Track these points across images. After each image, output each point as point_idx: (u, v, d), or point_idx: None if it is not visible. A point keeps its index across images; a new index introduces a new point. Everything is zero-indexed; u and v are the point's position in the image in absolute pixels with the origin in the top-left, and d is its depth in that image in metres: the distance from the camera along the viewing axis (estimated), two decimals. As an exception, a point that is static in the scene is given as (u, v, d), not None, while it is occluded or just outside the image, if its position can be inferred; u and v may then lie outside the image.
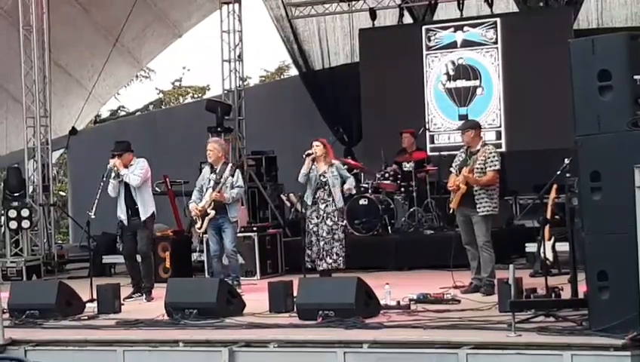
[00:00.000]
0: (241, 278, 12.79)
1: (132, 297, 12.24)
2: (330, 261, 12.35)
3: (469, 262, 11.52)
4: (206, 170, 12.78)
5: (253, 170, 17.65)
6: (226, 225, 12.51)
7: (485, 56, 17.21)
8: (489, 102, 17.18)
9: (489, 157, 11.26)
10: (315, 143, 12.63)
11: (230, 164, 12.83)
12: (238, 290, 12.23)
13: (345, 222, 13.95)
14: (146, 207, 12.30)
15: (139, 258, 12.58)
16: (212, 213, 12.44)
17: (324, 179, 12.41)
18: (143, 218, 12.28)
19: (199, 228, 12.73)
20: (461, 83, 17.39)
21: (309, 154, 12.64)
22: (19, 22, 16.89)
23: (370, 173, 15.88)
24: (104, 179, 12.40)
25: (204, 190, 12.55)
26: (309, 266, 12.44)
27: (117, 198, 12.40)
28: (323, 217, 12.41)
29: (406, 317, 9.67)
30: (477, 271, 11.34)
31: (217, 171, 12.55)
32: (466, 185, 11.20)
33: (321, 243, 12.39)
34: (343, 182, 12.71)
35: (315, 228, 12.45)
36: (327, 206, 12.41)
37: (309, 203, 12.53)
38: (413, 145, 15.86)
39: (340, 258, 12.39)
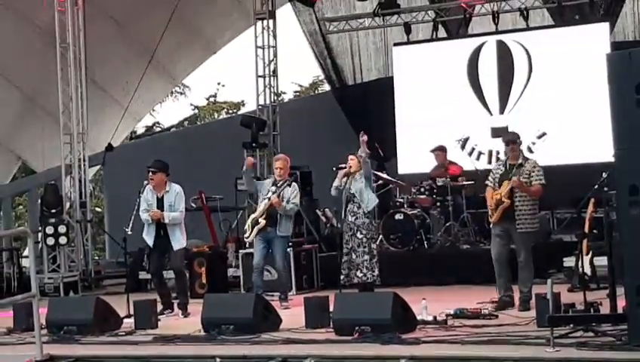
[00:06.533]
0: (274, 294, 12.78)
1: (163, 314, 12.19)
2: (361, 274, 12.26)
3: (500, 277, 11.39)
4: (268, 181, 13.02)
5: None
6: (276, 240, 12.66)
7: (520, 69, 17.12)
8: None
9: (533, 171, 11.16)
10: (350, 157, 12.58)
11: (292, 181, 12.95)
12: (285, 304, 12.36)
13: (380, 236, 13.89)
14: (180, 240, 12.39)
15: (166, 274, 12.71)
16: (262, 222, 12.59)
17: (352, 191, 12.36)
18: (175, 248, 12.35)
19: (247, 237, 12.87)
20: (496, 96, 17.32)
21: (341, 168, 12.61)
22: (55, 39, 17.04)
23: (405, 188, 15.84)
24: (140, 195, 12.46)
25: (261, 200, 12.72)
26: (342, 281, 12.35)
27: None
28: (353, 230, 12.34)
29: (443, 333, 9.63)
30: (506, 288, 11.23)
31: (279, 185, 12.70)
32: (509, 199, 11.09)
33: (352, 256, 12.32)
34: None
35: (346, 241, 12.41)
36: (356, 218, 12.34)
37: (342, 216, 12.50)
38: (447, 160, 15.85)
39: (370, 272, 12.27)
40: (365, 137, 12.54)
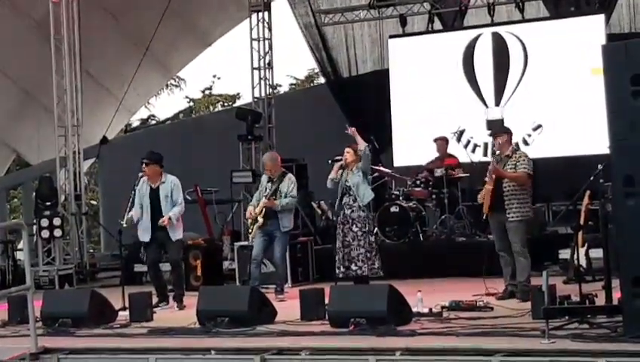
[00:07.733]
0: (270, 286, 12.78)
1: (158, 306, 12.15)
2: (355, 268, 12.25)
3: (501, 268, 11.46)
4: (264, 178, 13.07)
5: (284, 177, 17.63)
6: (277, 234, 12.72)
7: (515, 61, 17.10)
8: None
9: (519, 160, 11.22)
10: (346, 149, 12.55)
11: (288, 175, 12.98)
12: (281, 296, 12.41)
13: (375, 228, 13.88)
14: (177, 230, 12.38)
15: (162, 267, 12.69)
16: (261, 221, 12.68)
17: (348, 184, 12.34)
18: (173, 239, 12.35)
19: (250, 234, 12.98)
20: (491, 88, 17.31)
21: (337, 160, 12.60)
22: (50, 32, 17.00)
23: (401, 180, 15.83)
24: (135, 187, 12.44)
25: (261, 197, 12.76)
26: (338, 274, 12.35)
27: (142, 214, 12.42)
28: (349, 223, 12.33)
29: (438, 325, 9.62)
30: (511, 277, 11.28)
31: (275, 180, 12.79)
32: (491, 185, 11.14)
33: (347, 249, 12.31)
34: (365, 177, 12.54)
35: (341, 234, 12.40)
36: (352, 212, 12.31)
37: (336, 208, 12.50)
38: (446, 152, 15.87)
39: (365, 265, 12.25)
40: (353, 128, 12.51)
